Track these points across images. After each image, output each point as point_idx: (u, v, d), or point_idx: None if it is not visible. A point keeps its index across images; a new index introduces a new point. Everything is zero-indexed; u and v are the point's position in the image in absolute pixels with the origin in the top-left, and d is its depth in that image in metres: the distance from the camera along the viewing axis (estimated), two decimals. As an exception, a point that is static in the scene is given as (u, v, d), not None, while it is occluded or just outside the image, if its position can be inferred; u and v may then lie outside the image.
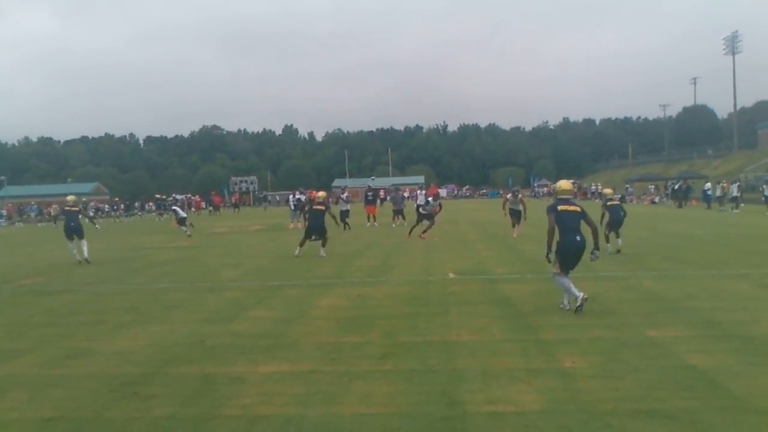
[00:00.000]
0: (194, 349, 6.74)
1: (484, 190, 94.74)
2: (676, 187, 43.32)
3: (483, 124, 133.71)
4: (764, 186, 34.41)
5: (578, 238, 7.77)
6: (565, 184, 8.41)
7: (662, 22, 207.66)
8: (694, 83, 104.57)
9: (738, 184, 38.15)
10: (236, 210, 56.76)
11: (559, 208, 7.95)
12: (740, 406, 4.56)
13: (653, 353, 5.95)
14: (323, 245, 15.32)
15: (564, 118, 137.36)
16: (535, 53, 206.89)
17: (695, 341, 6.37)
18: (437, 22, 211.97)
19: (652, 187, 57.15)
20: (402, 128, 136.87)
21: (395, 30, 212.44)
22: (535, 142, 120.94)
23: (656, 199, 50.17)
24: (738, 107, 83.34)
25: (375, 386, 5.30)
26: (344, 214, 24.94)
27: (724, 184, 37.03)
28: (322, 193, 16.80)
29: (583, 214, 7.93)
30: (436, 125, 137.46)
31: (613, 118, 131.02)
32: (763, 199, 33.02)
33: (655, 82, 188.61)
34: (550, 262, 8.12)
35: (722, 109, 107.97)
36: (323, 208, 15.42)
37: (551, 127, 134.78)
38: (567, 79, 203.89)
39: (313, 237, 15.24)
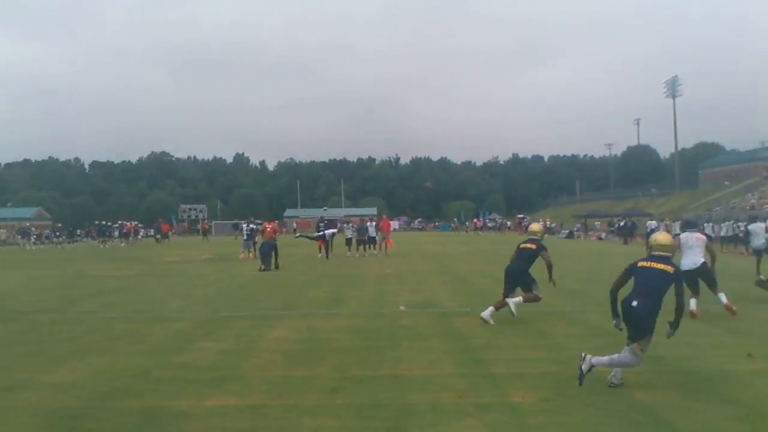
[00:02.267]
0: (138, 382, 6.51)
1: (437, 223, 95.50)
2: (622, 224, 44.62)
3: (435, 158, 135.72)
4: (704, 224, 35.67)
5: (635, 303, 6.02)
6: (663, 237, 6.47)
7: (607, 63, 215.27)
8: (638, 124, 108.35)
9: (680, 222, 39.35)
10: (160, 240, 51.16)
11: (640, 264, 6.24)
12: (683, 440, 4.64)
13: (600, 389, 6.03)
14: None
15: (514, 154, 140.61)
16: (485, 91, 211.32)
17: (641, 376, 6.47)
18: (389, 59, 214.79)
19: (598, 223, 58.67)
20: (355, 159, 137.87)
21: (347, 65, 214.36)
22: (486, 176, 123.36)
23: (602, 236, 51.43)
24: (679, 148, 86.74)
25: (324, 421, 5.20)
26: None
27: (668, 222, 38.28)
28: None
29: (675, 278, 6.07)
30: (389, 157, 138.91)
31: (561, 155, 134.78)
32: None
33: (600, 122, 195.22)
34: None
35: (664, 149, 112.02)
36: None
37: (501, 162, 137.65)
38: (516, 117, 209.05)
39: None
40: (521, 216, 77.90)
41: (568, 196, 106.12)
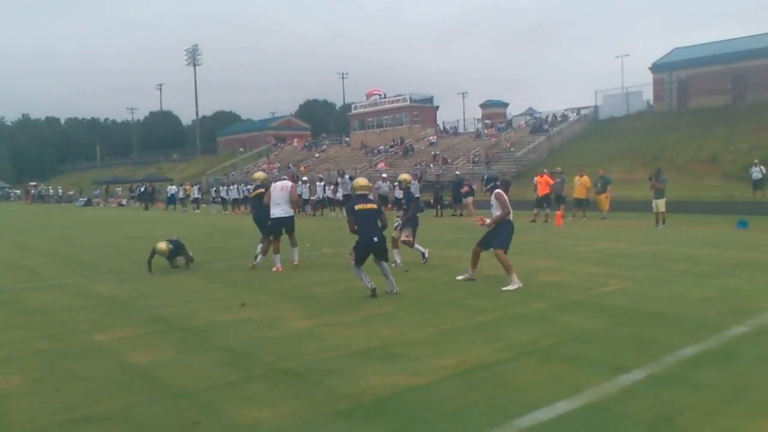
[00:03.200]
0: None
1: None
2: (143, 189, 44.53)
3: None
4: (220, 187, 38.28)
5: (375, 238, 8.45)
6: (362, 180, 9.44)
7: (133, 29, 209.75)
8: (160, 89, 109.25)
9: (199, 186, 41.45)
10: None
11: (357, 207, 8.59)
12: (172, 393, 4.86)
13: (97, 358, 5.88)
14: None
15: (24, 115, 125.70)
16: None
17: (141, 339, 6.56)
18: None
19: (120, 189, 57.41)
20: None
21: None
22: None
23: (124, 202, 50.55)
24: (200, 115, 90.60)
25: None
26: None
27: (187, 187, 39.76)
28: None
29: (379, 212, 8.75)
30: None
31: (80, 118, 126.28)
32: (220, 200, 36.73)
33: (123, 86, 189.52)
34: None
35: (186, 116, 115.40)
36: None
37: (9, 123, 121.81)
38: (26, 74, 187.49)
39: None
40: (33, 183, 70.85)
41: (87, 161, 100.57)
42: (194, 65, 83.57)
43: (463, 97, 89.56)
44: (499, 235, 9.10)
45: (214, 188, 40.26)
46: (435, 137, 57.20)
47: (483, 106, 67.81)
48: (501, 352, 5.71)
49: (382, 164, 49.59)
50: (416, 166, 45.27)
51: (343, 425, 4.16)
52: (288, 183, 12.01)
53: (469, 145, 50.14)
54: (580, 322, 6.83)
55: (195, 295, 9.03)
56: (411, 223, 11.41)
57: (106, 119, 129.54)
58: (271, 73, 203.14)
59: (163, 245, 11.18)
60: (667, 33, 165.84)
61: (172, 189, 41.09)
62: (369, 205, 8.73)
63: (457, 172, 31.19)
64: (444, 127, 61.96)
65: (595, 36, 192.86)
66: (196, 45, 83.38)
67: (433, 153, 49.12)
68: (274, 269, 10.99)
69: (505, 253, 9.01)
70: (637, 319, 6.91)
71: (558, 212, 20.39)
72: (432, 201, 27.61)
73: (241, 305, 8.14)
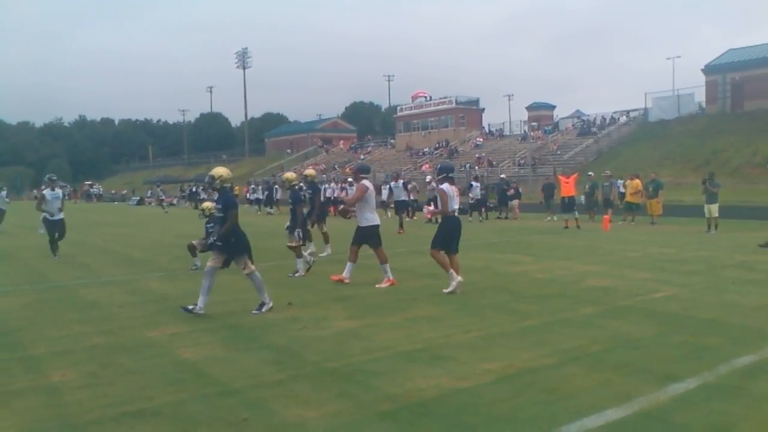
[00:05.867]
0: None
1: None
2: (193, 189, 45.44)
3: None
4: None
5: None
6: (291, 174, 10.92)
7: (185, 31, 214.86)
8: (211, 92, 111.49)
9: (254, 186, 42.10)
10: None
11: None
12: (221, 390, 4.95)
13: (149, 353, 6.04)
14: None
15: (81, 116, 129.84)
16: (53, 41, 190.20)
17: (191, 336, 6.70)
18: None
19: (160, 190, 58.70)
20: None
21: None
22: (47, 139, 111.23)
23: (175, 201, 51.69)
24: (249, 117, 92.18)
25: None
26: None
27: (237, 187, 40.46)
28: None
29: None
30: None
31: (134, 120, 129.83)
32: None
33: (175, 88, 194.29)
34: None
35: (235, 118, 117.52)
36: None
37: (66, 124, 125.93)
38: (85, 74, 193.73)
39: None
40: (89, 183, 73.21)
41: (140, 161, 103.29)
42: (244, 68, 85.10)
43: (509, 100, 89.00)
44: (437, 235, 9.12)
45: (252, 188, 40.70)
46: (480, 139, 56.86)
47: (529, 108, 67.17)
48: (548, 357, 5.64)
49: (427, 166, 49.50)
50: (461, 168, 45.06)
51: (388, 427, 4.17)
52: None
53: (514, 148, 49.71)
54: (630, 328, 6.69)
55: (242, 293, 9.15)
56: (300, 226, 11.03)
57: (159, 120, 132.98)
58: (319, 76, 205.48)
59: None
60: (720, 34, 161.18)
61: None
62: None
63: (503, 175, 30.90)
64: (489, 130, 61.55)
65: (645, 38, 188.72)
66: (246, 48, 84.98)
67: (477, 155, 48.82)
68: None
69: (437, 250, 8.94)
70: (689, 327, 6.73)
71: (606, 216, 20.01)
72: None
73: (288, 304, 8.24)
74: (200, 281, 7.80)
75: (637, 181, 21.66)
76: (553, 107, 68.10)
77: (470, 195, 24.84)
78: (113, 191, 71.24)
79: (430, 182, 24.15)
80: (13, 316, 7.93)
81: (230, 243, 7.74)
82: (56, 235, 13.98)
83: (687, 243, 15.09)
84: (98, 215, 36.92)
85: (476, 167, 44.02)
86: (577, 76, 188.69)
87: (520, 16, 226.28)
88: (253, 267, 7.91)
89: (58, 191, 14.43)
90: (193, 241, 11.84)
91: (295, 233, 10.91)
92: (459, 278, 8.82)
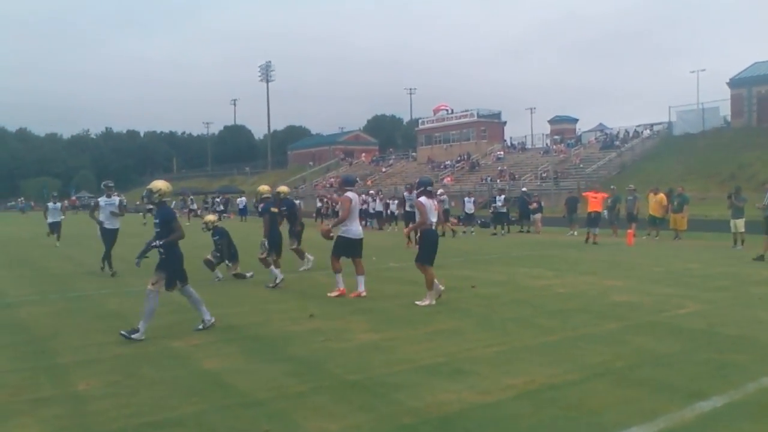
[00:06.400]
0: None
1: (12, 203, 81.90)
2: (218, 199, 46.04)
3: (12, 129, 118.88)
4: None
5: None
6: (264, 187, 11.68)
7: (207, 42, 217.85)
8: (234, 104, 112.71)
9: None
10: None
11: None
12: (243, 401, 4.97)
13: (172, 364, 6.08)
14: None
15: (107, 128, 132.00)
16: (77, 54, 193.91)
17: (213, 347, 6.74)
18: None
19: (175, 202, 59.55)
20: None
21: None
22: (74, 151, 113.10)
23: (199, 212, 52.13)
24: (271, 130, 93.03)
25: None
26: None
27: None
28: None
29: None
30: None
31: (158, 132, 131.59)
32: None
33: (199, 100, 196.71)
34: None
35: (258, 130, 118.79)
36: None
37: (93, 136, 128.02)
38: (111, 87, 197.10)
39: None
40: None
41: (165, 172, 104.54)
42: (267, 81, 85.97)
43: (531, 113, 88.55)
44: (420, 249, 9.31)
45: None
46: (502, 152, 56.69)
47: (552, 121, 66.93)
48: (571, 372, 5.58)
49: (449, 179, 49.47)
50: (482, 181, 44.94)
51: (409, 440, 4.16)
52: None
53: (536, 161, 49.49)
54: (655, 344, 6.60)
55: (264, 304, 9.21)
56: (272, 240, 11.16)
57: (183, 132, 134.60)
58: (341, 89, 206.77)
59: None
60: (745, 48, 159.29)
61: (242, 201, 42.37)
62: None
63: (524, 189, 30.78)
64: (511, 143, 61.37)
65: (669, 51, 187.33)
66: (269, 61, 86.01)
67: (499, 168, 48.68)
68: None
69: (425, 266, 9.03)
70: (715, 344, 6.62)
71: (630, 231, 19.78)
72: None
73: (309, 316, 8.26)
74: (220, 292, 7.85)
75: (662, 195, 21.41)
76: (575, 120, 67.85)
77: (493, 206, 24.85)
78: (138, 202, 72.05)
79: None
80: (40, 324, 8.05)
81: (162, 258, 7.34)
82: (111, 246, 13.16)
83: (712, 258, 14.88)
84: (123, 226, 37.33)
85: (498, 180, 43.88)
86: (600, 91, 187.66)
87: (538, 29, 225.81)
88: (160, 288, 7.31)
89: (115, 198, 13.52)
90: (207, 256, 12.14)
91: (261, 243, 11.13)
92: (437, 293, 9.04)
